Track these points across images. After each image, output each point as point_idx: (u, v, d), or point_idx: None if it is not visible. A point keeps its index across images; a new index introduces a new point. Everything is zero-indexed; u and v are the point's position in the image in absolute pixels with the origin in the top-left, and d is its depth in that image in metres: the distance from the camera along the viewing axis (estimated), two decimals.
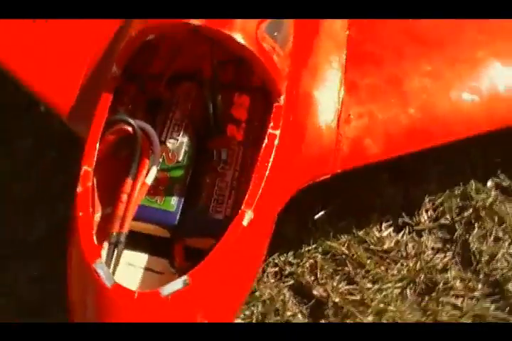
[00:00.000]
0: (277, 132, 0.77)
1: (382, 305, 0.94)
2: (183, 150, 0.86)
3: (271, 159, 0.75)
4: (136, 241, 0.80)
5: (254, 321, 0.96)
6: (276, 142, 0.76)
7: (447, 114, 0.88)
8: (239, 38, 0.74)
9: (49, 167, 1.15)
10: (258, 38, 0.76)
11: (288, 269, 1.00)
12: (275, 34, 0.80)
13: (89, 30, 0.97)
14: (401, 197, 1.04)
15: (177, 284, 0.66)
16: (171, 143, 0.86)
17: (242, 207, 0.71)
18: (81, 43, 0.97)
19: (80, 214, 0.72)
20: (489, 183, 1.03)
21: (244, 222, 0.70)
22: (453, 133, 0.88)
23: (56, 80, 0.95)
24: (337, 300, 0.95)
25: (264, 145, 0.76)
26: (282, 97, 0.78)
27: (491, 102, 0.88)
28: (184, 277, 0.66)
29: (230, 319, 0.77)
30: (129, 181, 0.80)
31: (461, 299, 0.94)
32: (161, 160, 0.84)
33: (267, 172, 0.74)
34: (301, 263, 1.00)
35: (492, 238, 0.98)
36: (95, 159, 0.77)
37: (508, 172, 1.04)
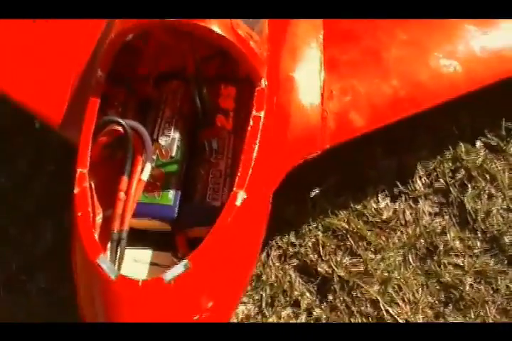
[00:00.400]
0: (261, 113, 0.78)
1: (386, 274, 0.96)
2: (175, 146, 0.88)
3: (257, 140, 0.77)
4: (139, 238, 0.82)
5: (263, 305, 0.99)
6: (261, 123, 0.78)
7: (428, 80, 0.89)
8: (215, 27, 0.76)
9: (49, 180, 1.18)
10: (233, 26, 0.78)
11: (291, 250, 1.02)
12: (250, 21, 0.82)
13: (72, 37, 0.99)
14: (394, 167, 1.05)
15: (178, 268, 0.68)
16: (163, 140, 0.89)
17: (234, 188, 0.73)
18: (65, 51, 0.98)
19: (79, 214, 0.74)
20: (478, 143, 1.05)
21: (238, 203, 0.72)
22: (436, 97, 0.90)
23: (43, 90, 0.96)
24: (342, 274, 0.98)
25: (249, 127, 0.78)
26: (263, 81, 0.80)
27: (469, 64, 0.90)
28: (184, 261, 0.68)
29: (235, 299, 0.79)
30: (125, 179, 0.81)
31: (461, 258, 0.96)
32: (155, 157, 0.86)
33: (255, 153, 0.76)
34: (303, 243, 1.02)
35: (486, 196, 1.01)
36: (89, 161, 0.78)
37: (495, 131, 1.06)
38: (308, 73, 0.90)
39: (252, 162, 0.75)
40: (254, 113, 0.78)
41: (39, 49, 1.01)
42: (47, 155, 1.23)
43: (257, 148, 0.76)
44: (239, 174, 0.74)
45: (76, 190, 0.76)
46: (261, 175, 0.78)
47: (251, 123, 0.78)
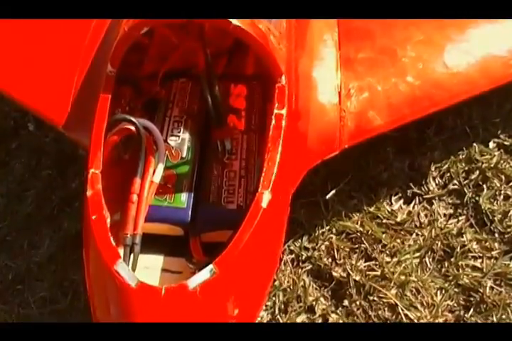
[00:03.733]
0: (283, 111, 0.76)
1: (403, 277, 0.94)
2: (185, 147, 0.85)
3: (281, 139, 0.74)
4: (149, 243, 0.78)
5: (276, 311, 0.95)
6: (283, 121, 0.75)
7: (445, 78, 0.88)
8: (234, 21, 0.73)
9: (46, 185, 1.14)
10: (254, 20, 0.75)
11: (304, 254, 0.99)
12: None
13: (74, 35, 0.95)
14: (407, 169, 1.04)
15: (204, 275, 0.64)
16: (172, 141, 0.85)
17: (259, 189, 0.70)
18: (67, 49, 0.95)
19: (94, 217, 0.69)
20: (491, 144, 1.04)
21: (264, 204, 0.69)
22: (453, 96, 0.88)
23: (45, 89, 0.92)
24: (357, 278, 0.95)
25: (272, 125, 0.75)
26: (283, 77, 0.78)
27: (485, 62, 0.89)
28: (210, 266, 0.64)
29: (259, 306, 0.76)
30: (138, 180, 0.78)
31: (479, 260, 0.94)
32: (165, 158, 0.82)
33: (279, 152, 0.73)
34: (316, 247, 0.99)
35: (502, 197, 0.99)
36: (101, 161, 0.74)
37: (508, 132, 1.05)
38: (325, 71, 0.88)
39: (276, 161, 0.72)
40: (276, 111, 0.75)
41: (39, 47, 0.97)
42: (42, 159, 1.19)
43: (280, 147, 0.73)
44: (263, 174, 0.71)
45: (89, 192, 0.71)
46: (283, 176, 0.75)
47: (273, 121, 0.75)
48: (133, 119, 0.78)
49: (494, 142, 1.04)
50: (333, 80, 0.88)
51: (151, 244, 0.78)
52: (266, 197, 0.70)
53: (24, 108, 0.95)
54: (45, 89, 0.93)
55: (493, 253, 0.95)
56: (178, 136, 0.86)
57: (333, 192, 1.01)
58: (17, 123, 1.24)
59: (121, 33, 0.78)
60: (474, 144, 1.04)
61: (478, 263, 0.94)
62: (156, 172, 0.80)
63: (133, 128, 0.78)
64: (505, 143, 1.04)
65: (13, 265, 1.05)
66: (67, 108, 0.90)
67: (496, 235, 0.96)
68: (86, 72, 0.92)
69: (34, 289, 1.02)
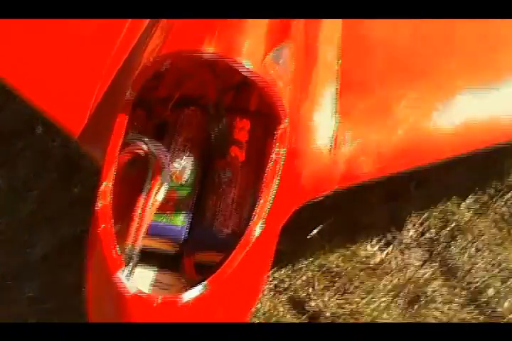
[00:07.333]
0: (283, 151, 0.84)
1: (374, 314, 1.01)
2: (188, 171, 0.92)
3: (278, 175, 0.81)
4: (143, 257, 0.83)
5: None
6: (282, 159, 0.83)
7: (431, 136, 0.97)
8: (248, 64, 0.82)
9: (49, 188, 1.19)
10: (266, 64, 0.84)
11: (284, 284, 1.05)
12: (280, 62, 0.88)
13: (100, 48, 1.03)
14: (387, 215, 1.12)
15: (197, 290, 0.70)
16: (176, 164, 0.92)
17: (255, 218, 0.77)
18: (91, 64, 1.02)
19: (102, 226, 0.75)
20: (468, 200, 1.13)
21: (257, 232, 0.76)
22: (436, 153, 0.97)
23: (66, 99, 0.99)
24: (328, 314, 1.01)
25: (271, 161, 0.82)
26: (287, 120, 0.86)
27: (468, 126, 0.98)
28: (204, 283, 0.70)
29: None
30: (143, 197, 0.84)
31: (446, 306, 1.01)
32: (169, 179, 0.88)
33: (275, 186, 0.80)
34: (297, 277, 1.06)
35: (473, 249, 1.07)
36: (114, 175, 0.81)
37: (484, 189, 1.14)
38: (324, 117, 0.97)
39: (271, 195, 0.79)
40: (276, 149, 0.83)
41: (65, 61, 1.04)
42: (48, 162, 1.24)
43: (277, 181, 0.80)
44: (259, 205, 0.78)
45: (100, 203, 0.78)
46: (276, 209, 0.82)
47: (273, 157, 0.83)
48: (146, 140, 0.85)
49: (471, 197, 1.13)
50: (330, 125, 0.96)
51: (146, 257, 0.84)
52: (259, 226, 0.76)
53: (42, 114, 1.00)
54: (65, 101, 0.99)
55: (459, 301, 1.02)
56: (182, 161, 0.93)
57: (316, 230, 1.08)
58: (26, 125, 1.29)
59: (144, 64, 0.86)
60: (452, 198, 1.12)
61: (445, 309, 1.01)
62: (160, 191, 0.86)
63: (145, 147, 0.85)
64: (481, 199, 1.13)
65: (6, 262, 1.09)
66: (84, 121, 0.97)
67: (464, 284, 1.04)
68: (105, 90, 0.99)
69: (24, 288, 1.06)
